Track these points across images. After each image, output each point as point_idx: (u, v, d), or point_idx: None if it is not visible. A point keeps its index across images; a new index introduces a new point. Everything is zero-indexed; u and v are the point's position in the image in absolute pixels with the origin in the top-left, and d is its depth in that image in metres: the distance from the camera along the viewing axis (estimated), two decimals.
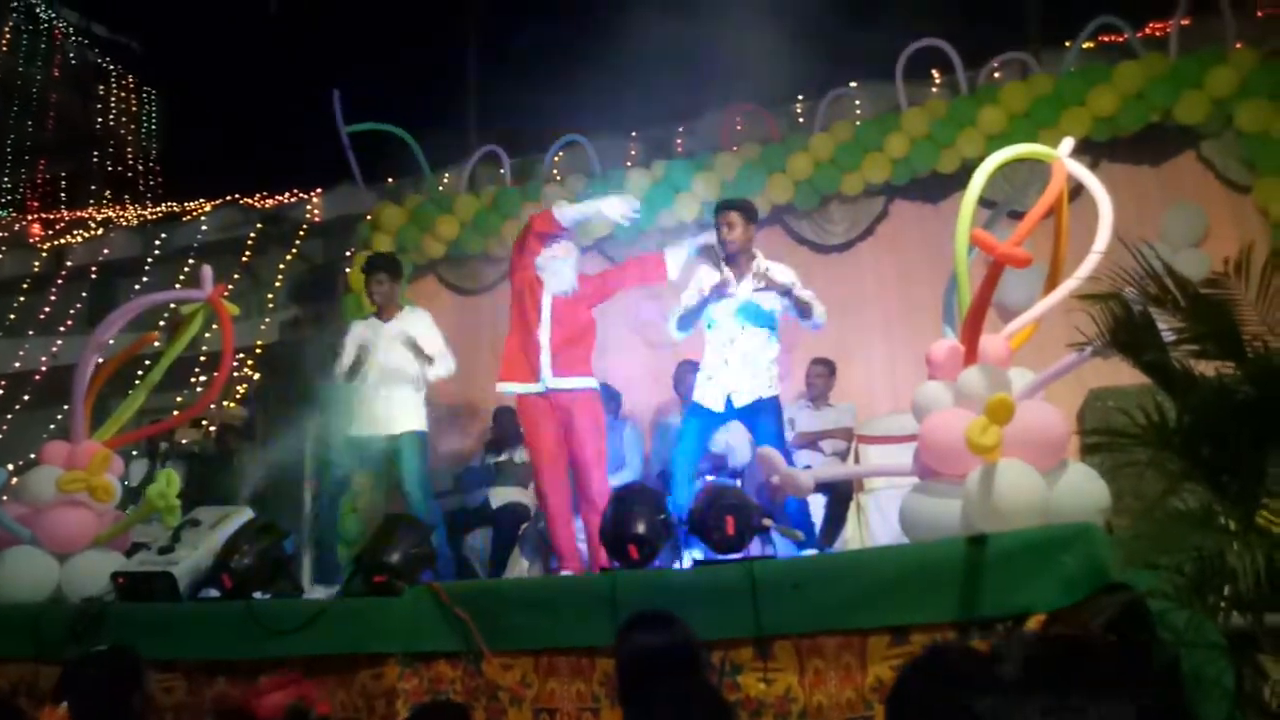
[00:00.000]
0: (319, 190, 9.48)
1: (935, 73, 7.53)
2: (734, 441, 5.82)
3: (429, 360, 5.41)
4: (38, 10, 18.69)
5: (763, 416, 4.82)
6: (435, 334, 5.53)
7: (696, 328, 4.96)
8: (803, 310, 4.82)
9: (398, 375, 5.39)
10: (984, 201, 4.20)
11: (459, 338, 6.67)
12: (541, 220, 4.97)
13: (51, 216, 12.86)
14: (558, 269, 4.90)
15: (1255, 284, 2.55)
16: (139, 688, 2.78)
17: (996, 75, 7.32)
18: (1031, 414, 3.26)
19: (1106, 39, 7.25)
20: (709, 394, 4.85)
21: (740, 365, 4.79)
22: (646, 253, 5.62)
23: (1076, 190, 4.22)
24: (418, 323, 5.54)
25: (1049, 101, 6.70)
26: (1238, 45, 6.51)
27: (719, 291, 4.80)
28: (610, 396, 6.57)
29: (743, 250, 4.87)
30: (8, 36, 17.70)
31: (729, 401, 4.79)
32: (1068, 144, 3.85)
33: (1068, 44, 7.13)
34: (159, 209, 11.74)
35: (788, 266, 4.97)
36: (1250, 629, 2.47)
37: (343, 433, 5.39)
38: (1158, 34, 7.06)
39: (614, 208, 4.93)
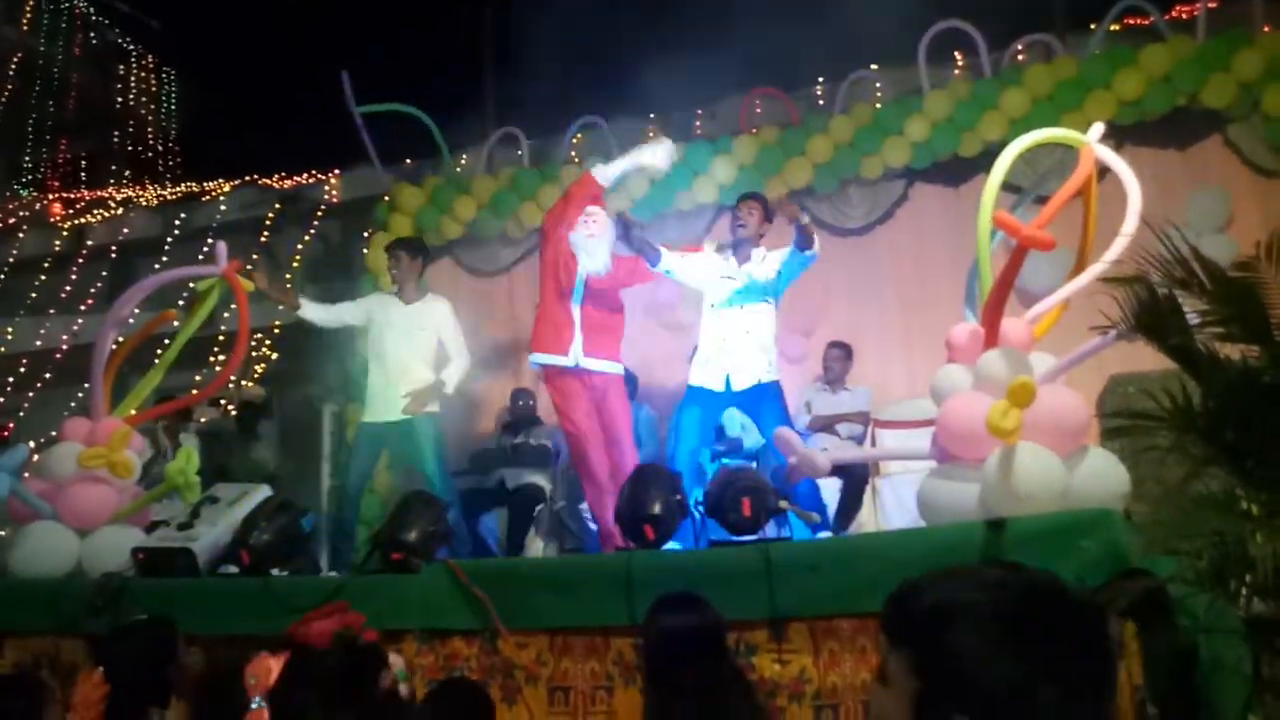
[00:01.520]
0: (337, 171, 9.49)
1: (958, 55, 7.46)
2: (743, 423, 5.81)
3: (448, 357, 5.40)
4: None
5: (765, 402, 4.81)
6: (457, 330, 5.48)
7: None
8: (804, 240, 4.69)
9: (414, 360, 5.38)
10: (1007, 186, 4.16)
11: (476, 319, 6.68)
12: (581, 185, 4.90)
13: (72, 196, 12.95)
14: (593, 248, 4.81)
15: None
16: (173, 659, 2.80)
17: (1020, 58, 7.24)
18: (1052, 398, 3.23)
19: (1132, 21, 7.16)
20: (707, 374, 4.86)
21: (739, 342, 4.80)
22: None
23: (1100, 174, 4.16)
24: (442, 315, 5.48)
25: (1073, 84, 6.62)
26: (1265, 28, 6.42)
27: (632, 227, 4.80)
28: (627, 379, 6.57)
29: (750, 240, 4.93)
30: (29, 15, 17.76)
31: (728, 381, 4.79)
32: (1097, 129, 3.80)
33: (1093, 26, 7.04)
34: (178, 189, 11.79)
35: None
36: (1272, 615, 2.45)
37: (359, 421, 5.40)
38: (1184, 17, 6.97)
39: (652, 155, 4.86)
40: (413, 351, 5.38)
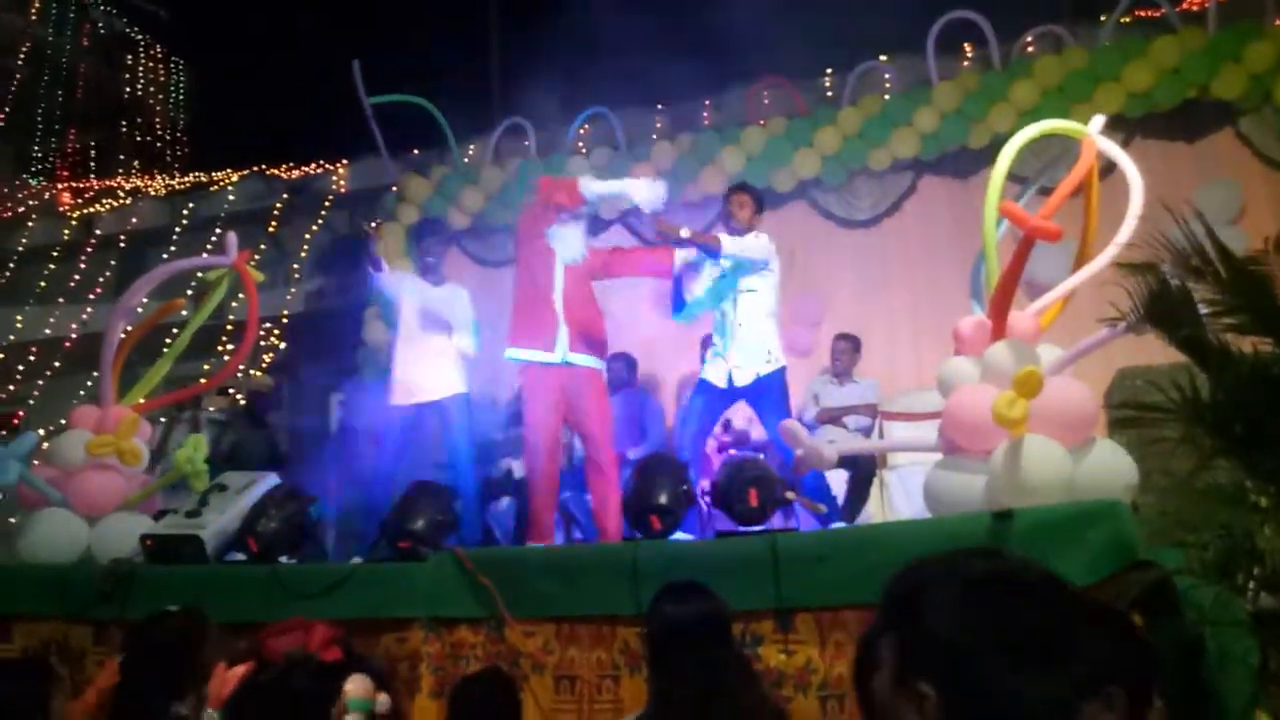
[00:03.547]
0: (345, 161, 9.50)
1: (967, 46, 7.42)
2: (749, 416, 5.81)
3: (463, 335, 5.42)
4: None
5: (766, 397, 4.83)
6: (470, 314, 5.48)
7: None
8: (709, 249, 4.80)
9: (441, 338, 5.38)
10: (1013, 177, 4.14)
11: (482, 309, 6.65)
12: (562, 192, 4.71)
13: (81, 185, 12.97)
14: (569, 239, 4.71)
15: None
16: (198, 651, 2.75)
17: (1030, 49, 7.20)
18: (1060, 390, 3.23)
19: (1143, 13, 7.12)
20: (713, 370, 4.92)
21: (739, 338, 4.84)
22: (656, 246, 5.48)
23: (1109, 167, 4.15)
24: (464, 304, 5.47)
25: (1083, 76, 6.59)
26: (1277, 20, 6.38)
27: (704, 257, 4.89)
28: (628, 365, 6.57)
29: (741, 234, 4.94)
30: (38, 5, 17.78)
31: (730, 379, 4.83)
32: (1098, 121, 3.80)
33: (1103, 18, 7.01)
34: (186, 179, 11.80)
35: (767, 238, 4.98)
36: (1279, 608, 2.44)
37: (384, 405, 5.38)
38: (1195, 8, 6.93)
39: (642, 192, 4.65)
40: (438, 331, 5.39)
